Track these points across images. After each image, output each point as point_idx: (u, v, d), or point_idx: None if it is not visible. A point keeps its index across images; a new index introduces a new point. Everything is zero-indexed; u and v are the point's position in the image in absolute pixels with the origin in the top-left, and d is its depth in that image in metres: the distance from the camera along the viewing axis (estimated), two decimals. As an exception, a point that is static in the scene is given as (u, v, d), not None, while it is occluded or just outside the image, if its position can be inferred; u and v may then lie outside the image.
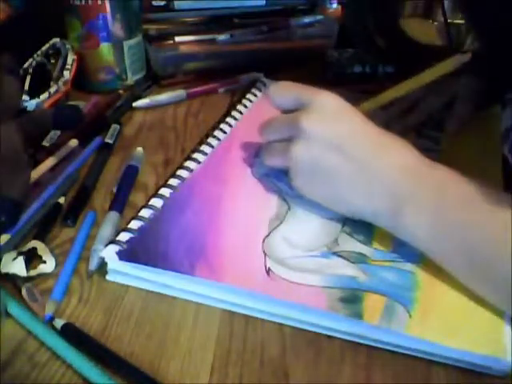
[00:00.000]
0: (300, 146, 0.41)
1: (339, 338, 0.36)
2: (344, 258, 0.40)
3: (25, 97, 0.55)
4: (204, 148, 0.50)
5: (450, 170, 0.38)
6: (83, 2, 0.58)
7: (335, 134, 0.40)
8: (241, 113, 0.56)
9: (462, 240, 0.35)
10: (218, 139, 0.51)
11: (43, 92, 0.56)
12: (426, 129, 0.56)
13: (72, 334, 0.35)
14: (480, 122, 0.56)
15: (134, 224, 0.41)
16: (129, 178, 0.48)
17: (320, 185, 0.41)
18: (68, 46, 0.60)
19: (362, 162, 0.39)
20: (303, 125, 0.40)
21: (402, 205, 0.37)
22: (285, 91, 0.44)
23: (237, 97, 0.60)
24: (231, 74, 0.65)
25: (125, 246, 0.39)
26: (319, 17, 0.73)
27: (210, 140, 0.51)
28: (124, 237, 0.40)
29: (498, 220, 0.35)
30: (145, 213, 0.42)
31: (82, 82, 0.62)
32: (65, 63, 0.59)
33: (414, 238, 0.38)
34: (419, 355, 0.35)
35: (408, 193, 0.38)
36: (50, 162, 0.49)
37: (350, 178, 0.39)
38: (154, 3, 0.68)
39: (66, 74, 0.58)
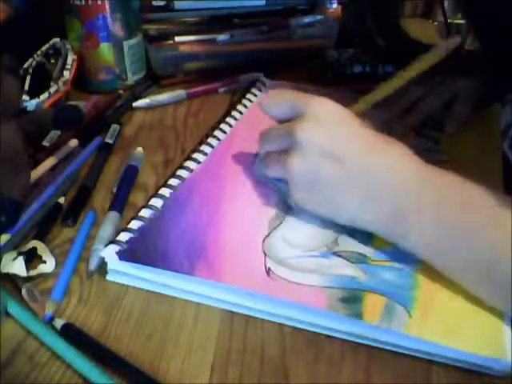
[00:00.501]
0: (297, 159, 0.40)
1: (339, 338, 0.36)
2: (344, 258, 0.40)
3: (25, 97, 0.55)
4: (204, 148, 0.50)
5: (449, 172, 0.38)
6: (83, 2, 0.58)
7: (331, 141, 0.39)
8: (241, 113, 0.56)
9: (463, 242, 0.35)
10: (218, 139, 0.51)
11: (43, 92, 0.56)
12: (425, 129, 0.56)
13: (72, 334, 0.35)
14: (480, 122, 0.56)
15: (134, 224, 0.41)
16: (129, 178, 0.48)
17: (319, 197, 0.40)
18: (68, 46, 0.60)
19: (361, 171, 0.38)
20: (299, 135, 0.39)
21: (404, 210, 0.37)
22: (278, 101, 0.43)
23: (237, 97, 0.60)
24: (231, 74, 0.65)
25: (125, 246, 0.39)
26: (319, 17, 0.73)
27: (210, 140, 0.51)
28: (124, 237, 0.40)
29: (498, 222, 0.34)
30: (145, 213, 0.42)
31: (82, 82, 0.62)
32: (65, 63, 0.59)
33: (416, 244, 0.37)
34: (419, 355, 0.35)
35: (409, 198, 0.37)
36: (49, 161, 0.49)
37: (350, 189, 0.39)
38: (154, 3, 0.68)
39: (66, 74, 0.58)
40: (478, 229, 0.35)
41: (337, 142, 0.39)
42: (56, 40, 0.61)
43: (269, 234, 0.42)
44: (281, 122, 0.43)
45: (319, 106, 0.41)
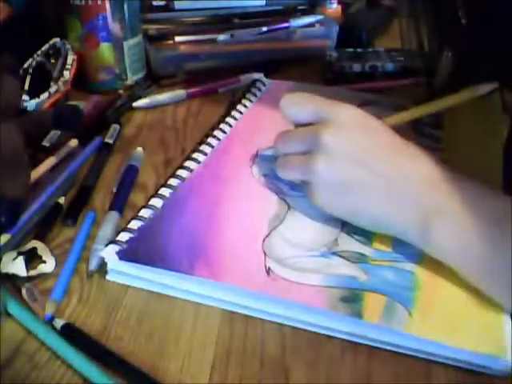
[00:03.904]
0: (322, 161, 0.39)
1: (339, 338, 0.36)
2: (344, 257, 0.40)
3: (25, 97, 0.55)
4: (204, 148, 0.50)
5: (476, 182, 0.38)
6: (83, 2, 0.58)
7: (359, 148, 0.39)
8: (241, 113, 0.56)
9: (489, 251, 0.35)
10: (218, 139, 0.51)
11: (43, 92, 0.56)
12: (426, 127, 0.56)
13: (72, 334, 0.35)
14: (480, 120, 0.56)
15: (134, 224, 0.41)
16: (129, 178, 0.48)
17: (343, 200, 0.40)
18: (68, 46, 0.60)
19: (387, 176, 0.38)
20: (325, 139, 0.39)
21: (432, 217, 0.37)
22: (301, 105, 0.43)
23: (237, 97, 0.60)
24: (231, 74, 0.65)
25: (125, 246, 0.39)
26: (319, 17, 0.73)
27: (210, 140, 0.51)
28: (124, 237, 0.40)
29: None
30: (145, 213, 0.42)
31: (82, 82, 0.62)
32: (65, 63, 0.59)
33: (440, 248, 0.37)
34: (419, 355, 0.35)
35: (437, 205, 0.37)
36: (49, 161, 0.49)
37: (376, 193, 0.38)
38: (154, 3, 0.68)
39: (66, 74, 0.58)
40: (505, 241, 0.34)
41: (364, 149, 0.39)
42: (56, 40, 0.61)
43: (269, 233, 0.42)
44: (298, 125, 0.43)
45: (346, 112, 0.41)
